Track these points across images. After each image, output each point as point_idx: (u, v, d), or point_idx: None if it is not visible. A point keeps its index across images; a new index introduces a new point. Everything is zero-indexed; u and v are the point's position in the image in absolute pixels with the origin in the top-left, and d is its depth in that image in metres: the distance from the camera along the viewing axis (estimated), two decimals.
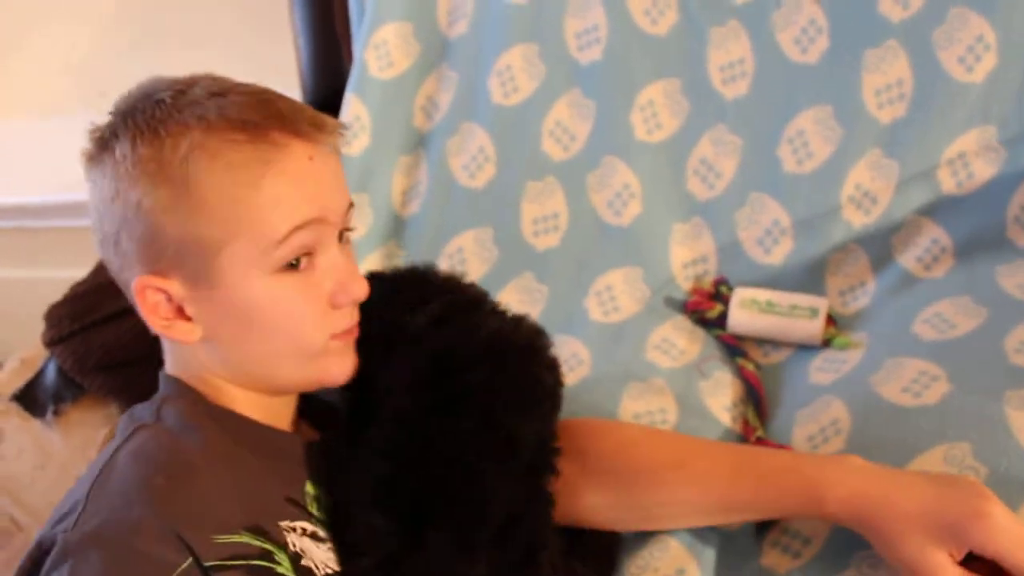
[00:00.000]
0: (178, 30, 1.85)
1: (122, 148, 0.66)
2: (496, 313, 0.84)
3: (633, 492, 0.82)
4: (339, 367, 0.74)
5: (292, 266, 0.69)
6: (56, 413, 1.25)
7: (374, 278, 0.82)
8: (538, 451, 0.77)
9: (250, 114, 0.67)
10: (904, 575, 0.68)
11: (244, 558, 0.63)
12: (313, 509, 0.72)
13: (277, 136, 0.67)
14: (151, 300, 0.68)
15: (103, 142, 0.68)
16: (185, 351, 0.72)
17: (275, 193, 0.67)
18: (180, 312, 0.69)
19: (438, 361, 0.77)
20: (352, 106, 1.25)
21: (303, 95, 1.48)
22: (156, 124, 0.66)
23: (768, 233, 1.14)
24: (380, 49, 1.25)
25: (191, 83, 0.69)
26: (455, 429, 0.74)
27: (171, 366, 0.75)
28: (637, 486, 0.82)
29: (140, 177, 0.65)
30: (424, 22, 1.26)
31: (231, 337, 0.70)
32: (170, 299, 0.68)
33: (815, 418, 0.91)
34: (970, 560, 0.65)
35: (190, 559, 0.60)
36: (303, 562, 0.66)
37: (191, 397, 0.72)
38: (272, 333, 0.70)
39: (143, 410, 0.72)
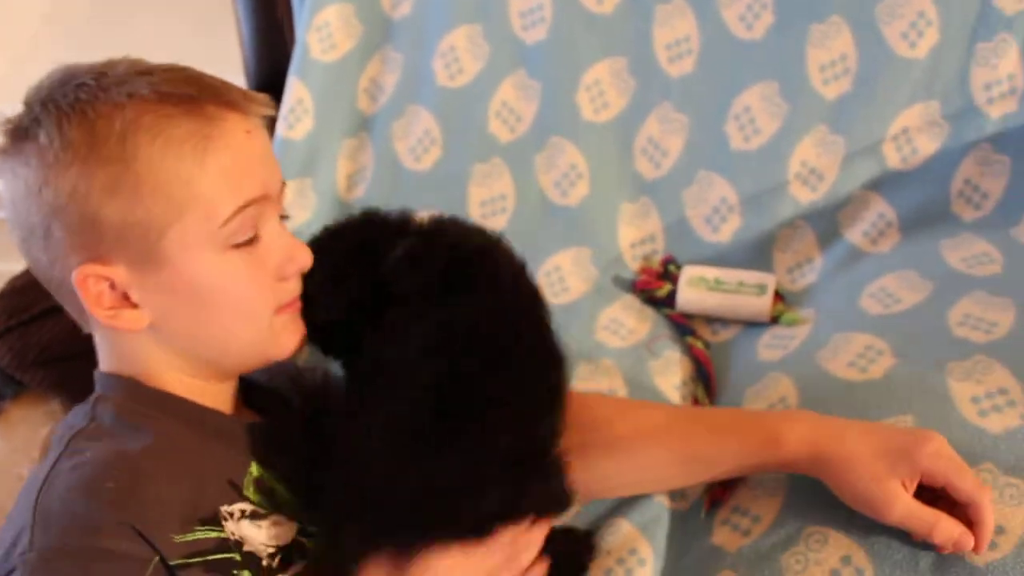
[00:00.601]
0: (116, 12, 1.81)
1: (47, 134, 0.63)
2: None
3: (601, 461, 0.81)
4: (288, 339, 0.73)
5: (239, 243, 0.67)
6: None
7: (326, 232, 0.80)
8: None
9: (184, 88, 0.65)
10: (865, 512, 0.69)
11: (203, 554, 0.62)
12: (249, 492, 0.69)
13: (213, 110, 0.65)
14: (94, 290, 0.65)
15: (20, 132, 0.65)
16: (125, 343, 0.69)
17: (220, 169, 0.65)
18: (125, 299, 0.66)
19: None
20: (295, 89, 1.22)
21: (246, 79, 1.45)
22: (83, 106, 0.63)
23: (716, 211, 1.13)
24: (322, 31, 1.22)
25: (110, 65, 0.66)
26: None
27: (107, 363, 0.72)
28: (609, 454, 0.81)
29: (72, 161, 0.62)
30: (366, 3, 1.23)
31: (181, 319, 0.68)
32: (114, 287, 0.65)
33: (763, 395, 0.91)
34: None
35: (156, 557, 0.59)
36: (245, 548, 0.65)
37: (128, 389, 0.69)
38: (223, 311, 0.68)
39: (77, 414, 0.69)
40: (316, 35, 1.23)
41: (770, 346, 0.99)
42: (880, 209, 1.05)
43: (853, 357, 0.87)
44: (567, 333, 1.07)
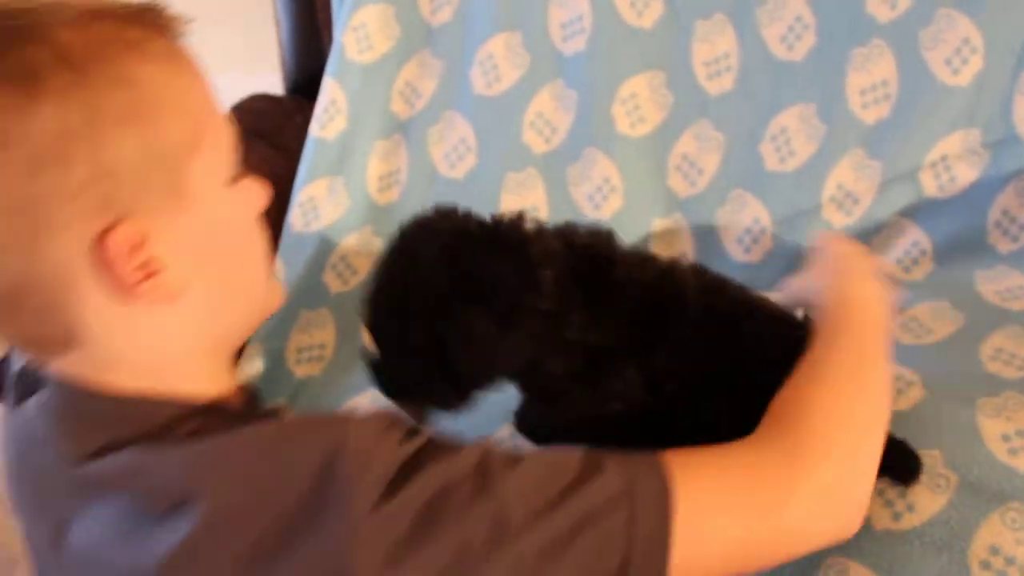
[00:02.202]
0: None
1: (12, 67, 0.48)
2: None
3: None
4: (277, 286, 0.67)
5: (234, 175, 0.59)
6: None
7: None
8: None
9: (117, 8, 0.54)
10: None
11: None
12: None
13: (160, 27, 0.55)
14: (129, 259, 0.52)
15: None
16: (141, 336, 0.57)
17: (206, 87, 0.56)
18: (149, 264, 0.54)
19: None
20: (329, 89, 1.23)
21: (284, 78, 1.46)
22: (42, 32, 0.49)
23: (748, 231, 1.13)
24: (359, 32, 1.23)
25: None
26: None
27: (112, 378, 0.57)
28: None
29: (62, 93, 0.48)
30: (405, 6, 1.23)
31: (209, 276, 0.58)
32: (139, 248, 0.53)
33: None
34: None
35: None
36: None
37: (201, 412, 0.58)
38: (245, 258, 0.62)
39: (163, 471, 0.54)
40: (353, 35, 1.23)
41: None
42: (915, 237, 1.04)
43: None
44: None
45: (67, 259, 0.51)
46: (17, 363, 0.69)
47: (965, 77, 1.01)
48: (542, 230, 0.71)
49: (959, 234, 1.02)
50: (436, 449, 0.54)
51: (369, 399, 1.06)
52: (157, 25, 0.54)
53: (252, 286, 0.64)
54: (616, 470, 0.56)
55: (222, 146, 0.58)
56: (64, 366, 0.57)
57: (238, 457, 0.53)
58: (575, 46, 1.18)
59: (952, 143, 1.03)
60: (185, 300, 0.57)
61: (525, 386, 0.77)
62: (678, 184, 1.17)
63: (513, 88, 1.21)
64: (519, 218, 0.70)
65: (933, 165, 1.03)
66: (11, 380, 0.68)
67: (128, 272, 0.52)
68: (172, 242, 0.54)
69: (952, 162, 1.03)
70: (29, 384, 0.63)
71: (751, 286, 1.08)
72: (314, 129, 1.22)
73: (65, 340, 0.55)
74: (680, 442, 0.63)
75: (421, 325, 0.65)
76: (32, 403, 0.60)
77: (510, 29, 1.20)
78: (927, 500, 0.71)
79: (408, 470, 0.52)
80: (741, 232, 1.12)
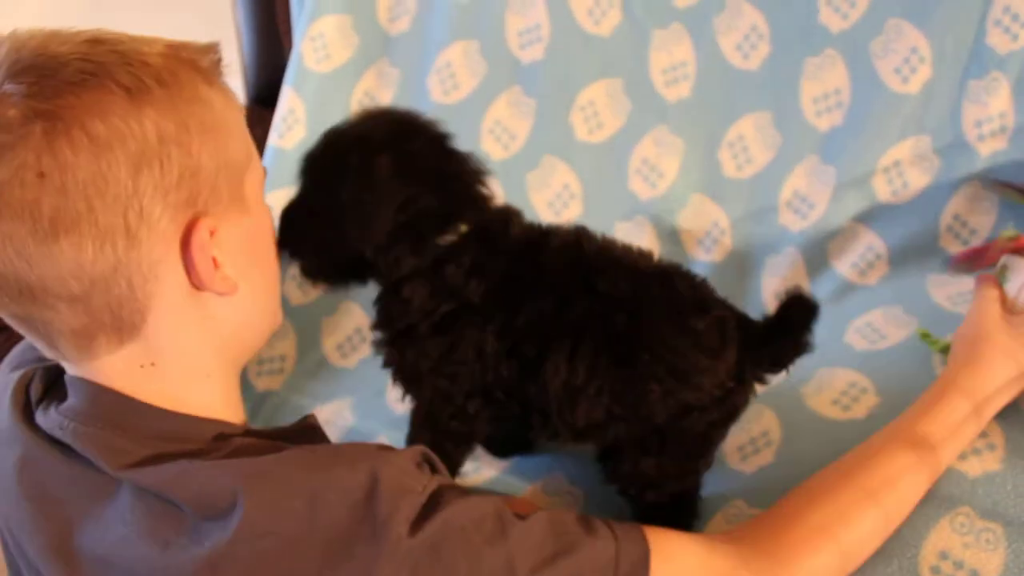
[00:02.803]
0: (113, 13, 1.80)
1: (117, 81, 0.55)
2: None
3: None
4: (280, 307, 0.73)
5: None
6: None
7: None
8: None
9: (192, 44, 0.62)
10: None
11: None
12: None
13: (218, 66, 0.64)
14: (209, 252, 0.59)
15: (78, 82, 0.55)
16: (183, 342, 0.61)
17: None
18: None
19: None
20: (288, 99, 1.22)
21: (245, 89, 1.45)
22: (130, 57, 0.56)
23: (708, 234, 1.14)
24: (317, 41, 1.22)
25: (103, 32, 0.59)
26: None
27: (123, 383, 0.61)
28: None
29: (155, 104, 0.56)
30: (364, 15, 1.23)
31: (250, 283, 0.64)
32: (209, 246, 0.59)
33: (746, 428, 0.91)
34: None
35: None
36: None
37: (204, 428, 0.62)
38: (272, 270, 0.68)
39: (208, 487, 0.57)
40: (311, 44, 1.22)
41: None
42: (869, 241, 1.06)
43: (836, 395, 0.87)
44: None
45: (158, 248, 0.57)
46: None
47: (915, 85, 1.03)
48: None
49: (912, 238, 1.04)
50: (456, 489, 0.60)
51: (332, 410, 1.07)
52: (215, 61, 0.62)
53: (275, 297, 0.69)
54: (606, 535, 0.62)
55: (260, 168, 0.65)
56: (105, 365, 0.60)
57: (286, 473, 0.57)
58: (533, 54, 1.19)
59: (903, 149, 1.05)
60: (231, 300, 0.63)
61: (383, 306, 0.82)
62: (639, 187, 1.18)
63: (471, 95, 1.21)
64: (478, 170, 0.81)
65: (886, 171, 1.05)
66: None
67: (203, 262, 0.59)
68: (229, 244, 0.60)
69: (904, 168, 1.05)
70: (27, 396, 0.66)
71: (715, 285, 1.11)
72: (273, 139, 1.22)
73: (129, 330, 0.59)
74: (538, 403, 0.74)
75: (333, 185, 0.73)
76: (57, 411, 0.62)
77: (468, 37, 1.20)
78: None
79: (434, 505, 0.57)
80: (702, 235, 1.14)
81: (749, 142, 1.11)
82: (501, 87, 1.20)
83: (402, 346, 0.81)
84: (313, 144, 0.79)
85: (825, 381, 0.90)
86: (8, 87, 0.53)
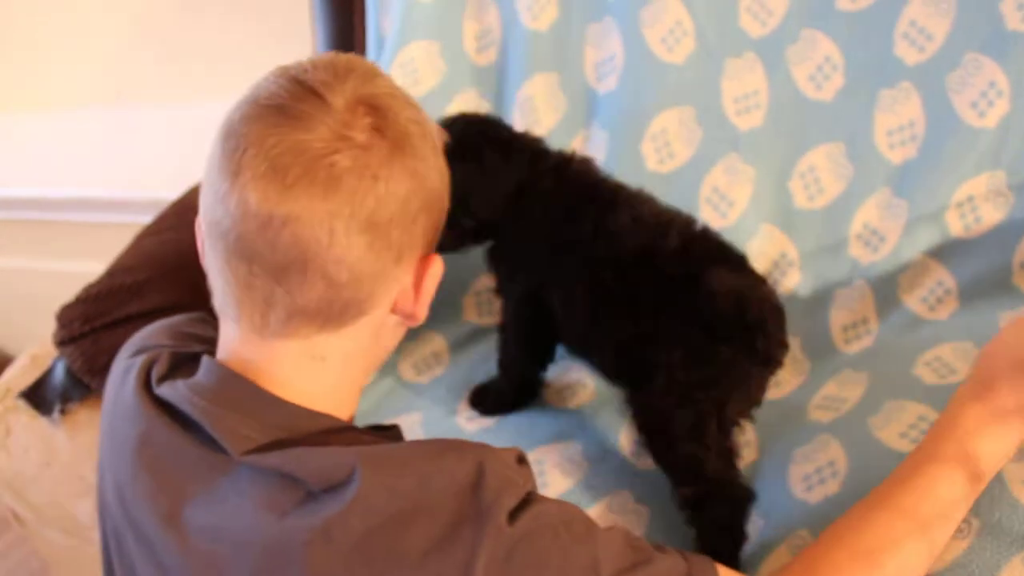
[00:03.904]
0: (204, 24, 1.87)
1: (422, 133, 0.66)
2: None
3: None
4: None
5: None
6: (63, 412, 1.26)
7: None
8: None
9: None
10: None
11: None
12: None
13: None
14: (436, 280, 0.70)
15: (405, 134, 0.65)
16: (359, 353, 0.70)
17: None
18: None
19: None
20: None
21: None
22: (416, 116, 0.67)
23: (776, 265, 1.15)
24: (407, 67, 1.26)
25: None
26: None
27: (324, 389, 0.69)
28: None
29: (434, 165, 0.67)
30: (451, 44, 1.27)
31: (420, 319, 0.73)
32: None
33: (812, 458, 0.91)
34: None
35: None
36: None
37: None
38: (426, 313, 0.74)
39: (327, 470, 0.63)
40: (400, 71, 1.26)
41: (821, 407, 1.00)
42: (940, 276, 1.05)
43: (905, 427, 0.87)
44: None
45: (407, 270, 0.67)
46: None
47: (991, 120, 1.02)
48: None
49: (984, 274, 1.03)
50: (541, 496, 0.64)
51: (403, 424, 1.09)
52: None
53: (406, 329, 0.76)
54: (677, 555, 0.66)
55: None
56: (289, 346, 0.66)
57: (401, 456, 0.62)
58: (608, 85, 1.21)
59: (978, 184, 1.04)
60: (395, 327, 0.72)
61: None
62: (709, 216, 1.19)
63: (551, 132, 1.24)
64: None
65: (959, 205, 1.05)
66: (120, 372, 0.76)
67: (427, 289, 0.69)
68: (429, 286, 0.70)
69: (978, 203, 1.04)
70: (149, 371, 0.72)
71: None
72: None
73: (336, 324, 0.66)
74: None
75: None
76: (185, 385, 0.67)
77: (548, 70, 1.23)
78: (949, 545, 0.72)
79: (529, 500, 0.62)
80: (770, 266, 1.14)
81: (821, 173, 1.12)
82: (580, 122, 1.23)
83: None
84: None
85: (893, 413, 0.90)
86: (370, 103, 0.63)
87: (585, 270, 0.94)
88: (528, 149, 1.02)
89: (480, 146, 0.98)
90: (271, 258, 0.61)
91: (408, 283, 0.68)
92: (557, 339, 1.05)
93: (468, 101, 1.28)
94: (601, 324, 0.94)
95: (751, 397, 0.92)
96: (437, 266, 0.69)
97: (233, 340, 0.68)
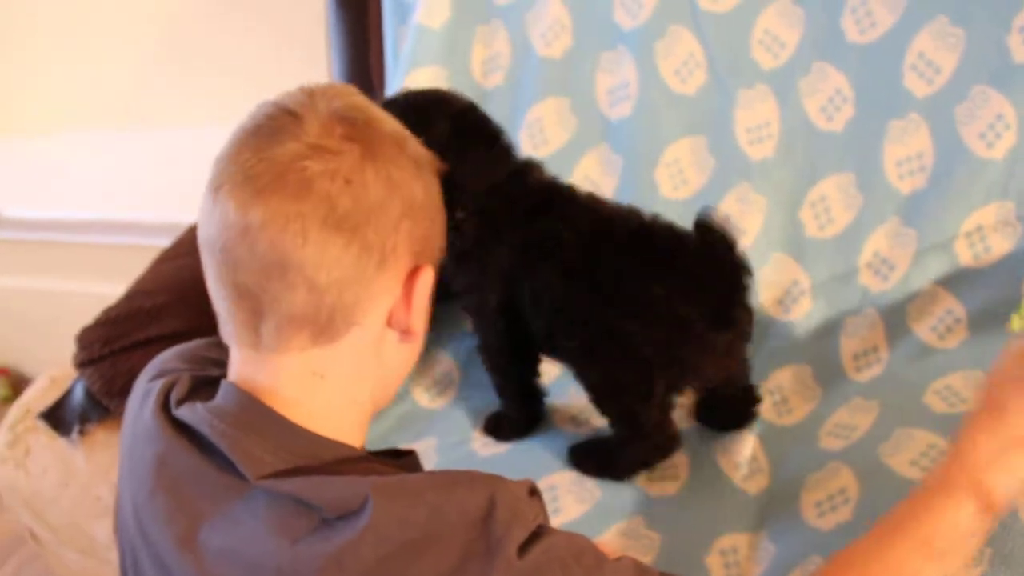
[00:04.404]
0: (208, 56, 1.90)
1: (412, 145, 0.69)
2: None
3: None
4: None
5: None
6: (81, 433, 1.28)
7: None
8: None
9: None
10: None
11: None
12: None
13: None
14: (425, 291, 0.69)
15: (392, 138, 0.68)
16: (360, 371, 0.70)
17: None
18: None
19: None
20: None
21: None
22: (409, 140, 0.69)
23: (788, 293, 1.16)
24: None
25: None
26: None
27: (328, 413, 0.69)
28: None
29: (426, 170, 0.69)
30: (458, 68, 1.29)
31: (416, 333, 0.72)
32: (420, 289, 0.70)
33: (823, 485, 0.93)
34: None
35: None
36: None
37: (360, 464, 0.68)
38: (423, 336, 0.74)
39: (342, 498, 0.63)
40: None
41: (832, 434, 1.01)
42: (949, 305, 1.06)
43: (915, 455, 0.88)
44: None
45: (393, 278, 0.67)
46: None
47: (999, 151, 1.04)
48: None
49: (993, 303, 1.04)
50: (551, 528, 0.64)
51: (418, 449, 1.11)
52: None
53: (412, 366, 0.76)
54: None
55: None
56: (286, 361, 0.67)
57: (413, 487, 0.62)
58: (621, 111, 1.23)
59: (987, 214, 1.06)
60: (399, 345, 0.71)
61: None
62: None
63: (560, 150, 1.26)
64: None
65: (968, 235, 1.06)
66: (139, 395, 0.77)
67: (418, 300, 0.69)
68: (419, 296, 0.69)
69: (987, 232, 1.06)
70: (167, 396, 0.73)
71: (788, 346, 1.12)
72: None
73: (328, 336, 0.66)
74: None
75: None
76: (204, 408, 0.68)
77: (560, 94, 1.25)
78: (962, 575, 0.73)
79: (540, 533, 0.62)
80: (781, 293, 1.16)
81: (831, 203, 1.13)
82: (590, 143, 1.25)
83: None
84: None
85: (904, 442, 0.91)
86: (342, 113, 0.65)
87: (551, 257, 0.99)
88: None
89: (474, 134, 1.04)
90: (253, 265, 0.63)
91: (399, 293, 0.68)
92: (536, 345, 1.09)
93: None
94: (569, 307, 0.99)
95: (719, 364, 0.98)
96: (427, 276, 0.69)
97: (236, 362, 0.69)
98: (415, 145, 0.69)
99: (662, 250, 0.95)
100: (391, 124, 0.68)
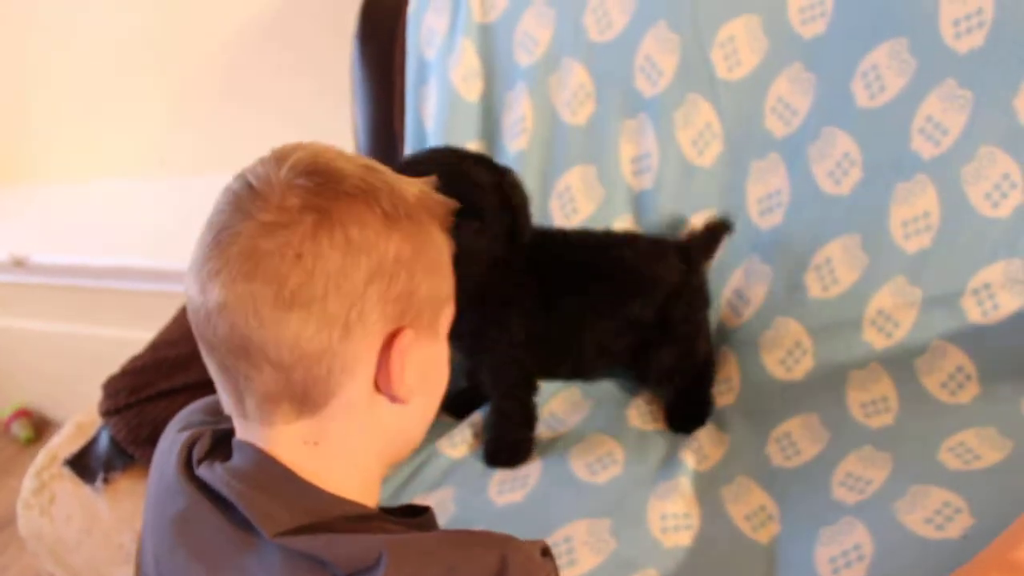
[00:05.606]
0: (239, 111, 1.94)
1: (379, 204, 0.65)
2: None
3: None
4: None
5: None
6: (106, 481, 1.30)
7: None
8: None
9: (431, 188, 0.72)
10: None
11: None
12: None
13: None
14: (405, 355, 0.66)
15: (352, 194, 0.65)
16: (358, 436, 0.69)
17: None
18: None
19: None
20: None
21: (356, 151, 1.55)
22: (391, 185, 0.66)
23: (790, 353, 1.18)
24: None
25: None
26: None
27: (334, 473, 0.69)
28: None
29: (399, 230, 0.65)
30: (491, 139, 1.35)
31: (419, 401, 0.72)
32: (403, 355, 0.67)
33: (838, 540, 0.94)
34: None
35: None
36: None
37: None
38: (436, 398, 0.74)
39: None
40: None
41: (845, 485, 1.01)
42: (959, 361, 1.08)
43: (930, 513, 0.89)
44: (649, 456, 1.15)
45: (363, 347, 0.65)
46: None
47: (1005, 209, 1.07)
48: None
49: (1005, 360, 1.06)
50: None
51: (436, 499, 1.12)
52: (448, 212, 0.71)
53: (429, 421, 0.76)
54: None
55: (453, 306, 0.73)
56: (276, 433, 0.67)
57: (428, 545, 0.63)
58: (643, 183, 1.27)
59: (994, 272, 1.08)
60: (397, 409, 0.69)
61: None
62: (726, 316, 1.25)
63: (589, 220, 1.31)
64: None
65: (975, 292, 1.08)
66: (166, 447, 0.78)
67: (397, 365, 0.66)
68: (414, 362, 0.67)
69: (995, 290, 1.08)
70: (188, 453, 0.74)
71: (794, 404, 1.14)
72: None
73: (310, 408, 0.66)
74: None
75: None
76: (222, 467, 0.69)
77: (586, 162, 1.30)
78: None
79: None
80: (783, 354, 1.19)
81: (836, 264, 1.16)
82: (615, 214, 1.30)
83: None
84: None
85: (918, 499, 0.92)
86: (299, 181, 0.63)
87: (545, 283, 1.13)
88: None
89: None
90: (222, 347, 0.63)
91: (375, 361, 0.66)
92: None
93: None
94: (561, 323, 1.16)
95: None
96: (405, 340, 0.65)
97: (237, 428, 0.70)
98: (393, 198, 0.65)
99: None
100: (357, 181, 0.64)
